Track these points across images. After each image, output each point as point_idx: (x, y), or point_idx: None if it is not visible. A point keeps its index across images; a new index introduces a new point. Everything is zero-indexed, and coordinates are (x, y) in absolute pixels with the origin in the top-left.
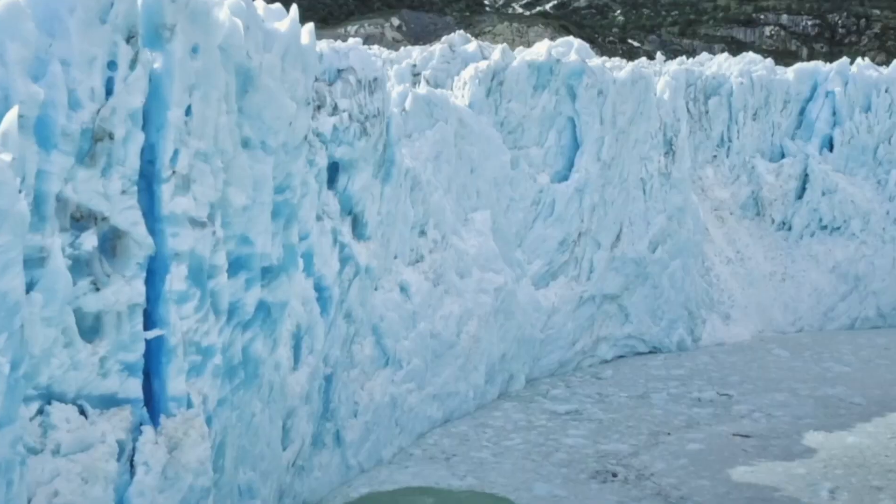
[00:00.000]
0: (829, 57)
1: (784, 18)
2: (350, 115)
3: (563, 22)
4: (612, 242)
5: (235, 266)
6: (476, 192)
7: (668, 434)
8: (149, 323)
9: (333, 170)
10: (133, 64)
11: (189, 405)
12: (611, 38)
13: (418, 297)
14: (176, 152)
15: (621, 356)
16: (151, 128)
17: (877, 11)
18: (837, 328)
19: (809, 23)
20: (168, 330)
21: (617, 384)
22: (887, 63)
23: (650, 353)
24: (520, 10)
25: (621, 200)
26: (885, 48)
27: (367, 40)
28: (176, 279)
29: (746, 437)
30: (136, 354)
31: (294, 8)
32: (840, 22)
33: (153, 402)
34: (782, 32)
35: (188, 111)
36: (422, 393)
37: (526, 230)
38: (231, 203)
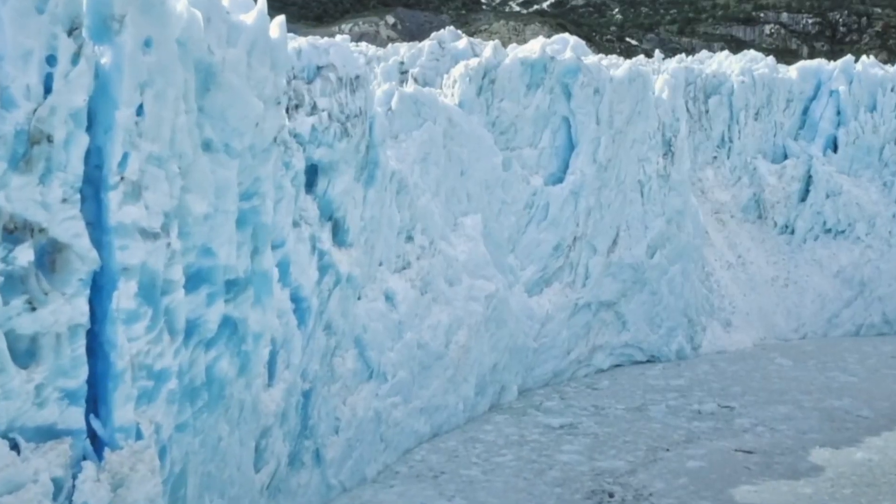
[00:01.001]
0: (830, 55)
1: (784, 17)
2: (330, 115)
3: (560, 20)
4: (609, 247)
5: (195, 280)
6: (466, 196)
7: (667, 450)
8: (94, 345)
9: (312, 173)
10: (75, 59)
11: (138, 436)
12: (608, 37)
13: (404, 305)
14: (125, 156)
15: (618, 365)
16: (98, 129)
17: (878, 10)
18: (842, 335)
19: (810, 21)
20: (115, 353)
21: (613, 395)
22: (889, 62)
23: (648, 361)
24: (517, 9)
25: (618, 203)
26: (886, 47)
27: (362, 38)
28: (124, 296)
29: (749, 453)
30: (78, 381)
31: (262, 0)
32: (841, 20)
33: (98, 434)
34: (782, 31)
35: (140, 111)
36: (408, 407)
37: (518, 235)
38: (190, 211)
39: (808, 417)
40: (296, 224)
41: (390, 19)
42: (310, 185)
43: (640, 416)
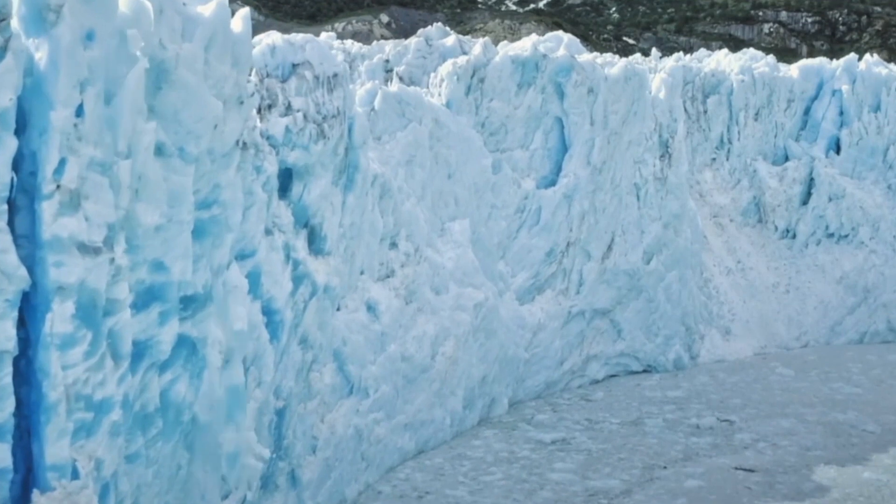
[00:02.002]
0: (830, 55)
1: (783, 15)
2: (305, 116)
3: (556, 19)
4: (604, 253)
5: (146, 298)
6: (454, 200)
7: (664, 468)
8: (28, 373)
9: (286, 177)
10: (2, 53)
11: (74, 475)
12: (605, 36)
13: (387, 316)
14: (62, 162)
15: (613, 376)
16: (32, 132)
17: (878, 8)
18: (845, 343)
19: (809, 20)
20: (47, 382)
21: (608, 408)
22: (890, 61)
23: (644, 372)
24: (513, 8)
25: (613, 207)
26: (887, 46)
27: (355, 37)
28: (59, 319)
29: (750, 471)
30: (4, 414)
31: None
32: (841, 19)
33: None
34: (781, 30)
35: (79, 111)
36: (391, 422)
37: (509, 240)
38: (139, 223)
39: (811, 432)
40: (268, 232)
41: (384, 18)
42: (284, 190)
43: (636, 431)
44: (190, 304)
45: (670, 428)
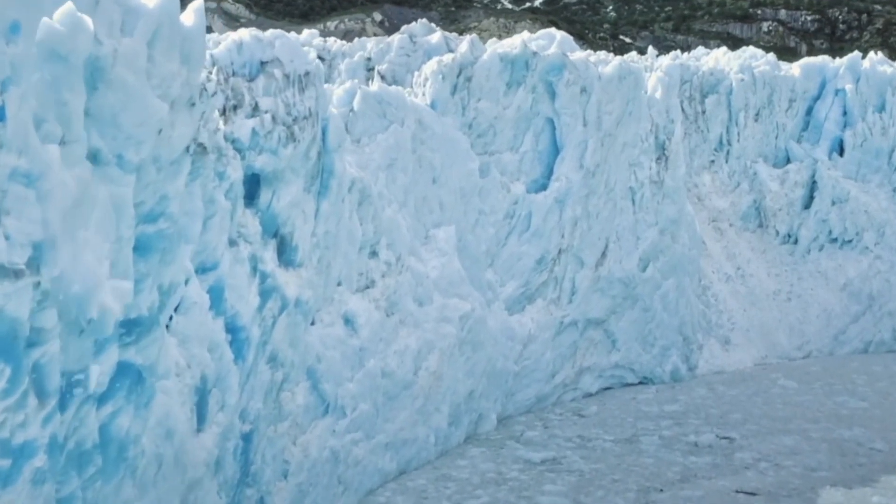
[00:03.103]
0: (830, 54)
1: (782, 14)
2: (274, 117)
3: (552, 17)
4: (597, 260)
5: (78, 324)
6: (438, 205)
7: (661, 490)
8: None
9: (253, 183)
10: None
11: None
12: (602, 35)
13: (367, 329)
14: None
15: (607, 388)
16: None
17: (878, 7)
18: (849, 353)
19: (809, 18)
20: None
21: (602, 424)
22: (891, 59)
23: (640, 384)
24: (508, 6)
25: (607, 212)
26: (887, 44)
27: (347, 36)
28: None
29: (752, 494)
30: None
31: None
32: (841, 17)
33: None
34: (780, 28)
35: (0, 115)
36: (371, 443)
37: (498, 248)
38: (70, 240)
39: (816, 451)
40: (232, 243)
41: (377, 16)
42: (251, 197)
43: (631, 450)
44: (133, 328)
45: (667, 446)
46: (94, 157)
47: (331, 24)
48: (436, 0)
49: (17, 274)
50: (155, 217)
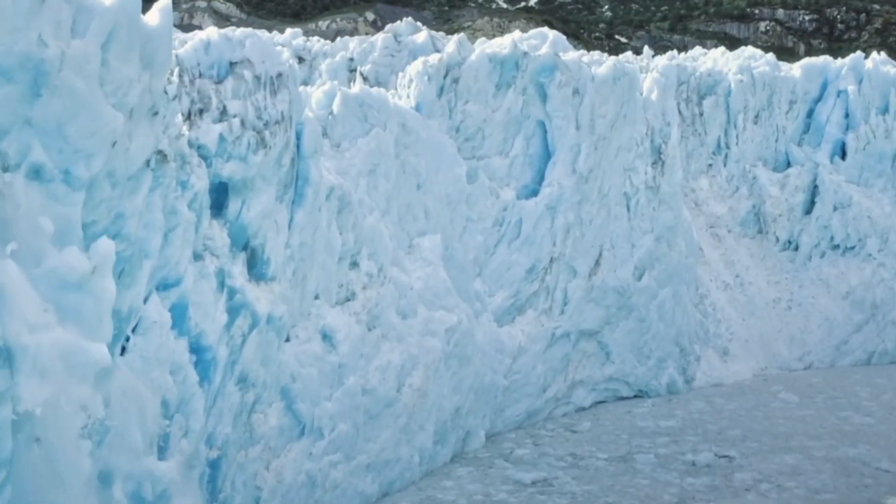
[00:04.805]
0: (829, 54)
1: (780, 13)
2: (243, 122)
3: (546, 17)
4: (591, 269)
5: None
6: (423, 213)
7: None
8: None
9: (221, 192)
10: None
11: None
12: (597, 34)
13: (346, 345)
14: None
15: (601, 402)
16: None
17: (877, 6)
18: (852, 364)
19: (807, 18)
20: None
21: (595, 441)
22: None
23: (635, 397)
24: (503, 5)
25: (601, 219)
26: (886, 44)
27: (338, 35)
28: None
29: None
30: None
31: None
32: (839, 17)
33: None
34: (778, 28)
35: None
36: (350, 464)
37: (486, 256)
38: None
39: (819, 471)
40: (197, 257)
41: (370, 16)
42: (218, 207)
43: (626, 469)
44: None
45: (663, 465)
46: (35, 172)
47: (322, 24)
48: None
49: None
50: (109, 238)
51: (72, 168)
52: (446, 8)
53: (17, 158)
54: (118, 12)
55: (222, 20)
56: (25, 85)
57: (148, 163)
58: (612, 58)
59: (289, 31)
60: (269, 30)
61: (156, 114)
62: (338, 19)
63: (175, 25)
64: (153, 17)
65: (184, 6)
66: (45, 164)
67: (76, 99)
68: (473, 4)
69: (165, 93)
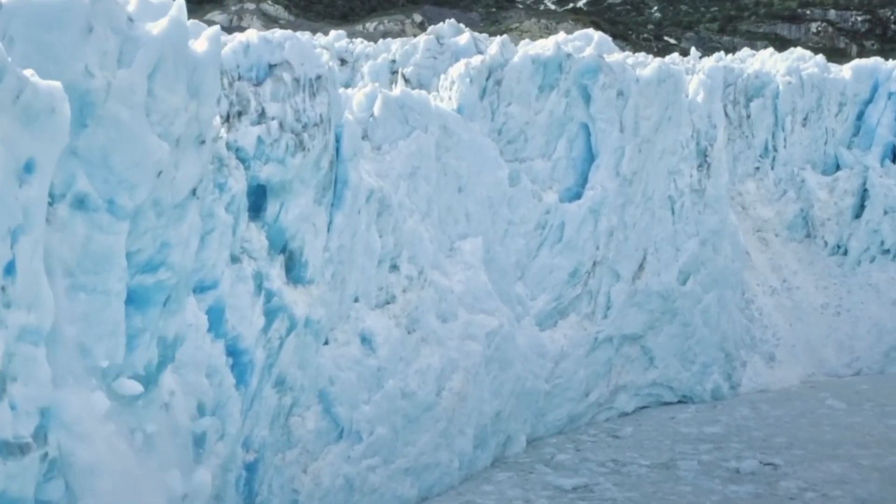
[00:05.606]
0: (882, 55)
1: (832, 14)
2: (281, 124)
3: (594, 18)
4: (634, 273)
5: None
6: (465, 216)
7: None
8: None
9: (259, 195)
10: None
11: None
12: (645, 36)
13: (386, 348)
14: None
15: (644, 407)
16: None
17: None
18: None
19: (859, 18)
20: None
21: (637, 447)
22: None
23: (679, 403)
24: (551, 7)
25: (645, 223)
26: None
27: (385, 37)
28: None
29: None
30: None
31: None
32: (892, 17)
33: None
34: (830, 29)
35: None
36: (389, 468)
37: (528, 260)
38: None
39: (866, 480)
40: (234, 259)
41: (417, 17)
42: (256, 210)
43: (668, 476)
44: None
45: (706, 472)
46: (80, 202)
47: (370, 26)
48: (477, 1)
49: (23, 449)
50: (154, 267)
51: (116, 198)
52: (494, 9)
53: (62, 188)
54: (165, 42)
55: (270, 22)
56: (71, 115)
57: (194, 191)
58: (658, 59)
59: (332, 32)
60: (316, 32)
61: (203, 142)
62: (385, 21)
63: (223, 28)
64: (201, 45)
65: (232, 8)
66: (90, 193)
67: (121, 129)
68: (521, 6)
69: (224, 93)
